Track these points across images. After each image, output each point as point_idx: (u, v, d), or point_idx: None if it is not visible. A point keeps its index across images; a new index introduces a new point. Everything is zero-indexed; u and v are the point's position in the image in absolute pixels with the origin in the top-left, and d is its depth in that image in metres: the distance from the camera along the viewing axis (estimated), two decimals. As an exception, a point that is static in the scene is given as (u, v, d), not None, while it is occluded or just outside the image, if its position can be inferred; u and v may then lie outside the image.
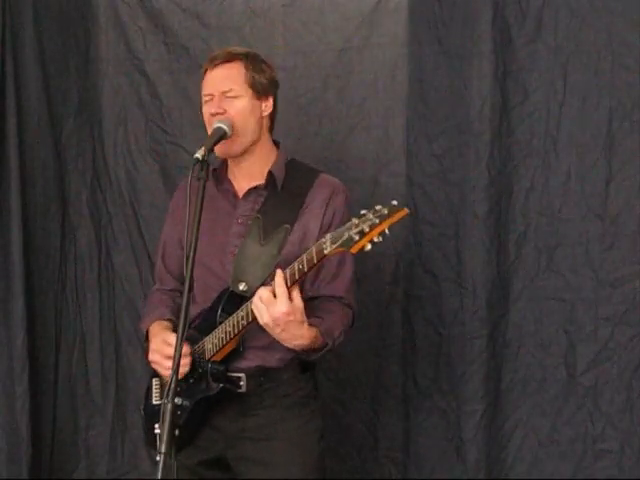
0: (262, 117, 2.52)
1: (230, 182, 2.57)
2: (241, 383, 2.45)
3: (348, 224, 2.06)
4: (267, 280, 2.32)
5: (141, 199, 3.52)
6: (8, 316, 3.32)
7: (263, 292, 2.21)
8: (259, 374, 2.46)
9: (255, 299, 2.22)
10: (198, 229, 2.20)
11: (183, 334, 2.11)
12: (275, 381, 2.48)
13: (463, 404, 3.09)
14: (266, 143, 2.55)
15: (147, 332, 2.60)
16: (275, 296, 2.19)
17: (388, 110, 3.21)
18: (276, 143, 2.60)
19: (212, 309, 2.46)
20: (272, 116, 2.57)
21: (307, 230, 2.45)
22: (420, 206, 3.12)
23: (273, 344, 2.37)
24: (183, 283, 2.46)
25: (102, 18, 3.49)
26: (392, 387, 3.24)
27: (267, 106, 2.53)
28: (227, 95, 2.47)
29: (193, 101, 3.41)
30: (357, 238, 2.03)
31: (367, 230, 2.02)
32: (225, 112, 2.45)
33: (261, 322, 2.23)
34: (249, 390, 2.46)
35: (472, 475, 3.09)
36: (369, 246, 2.04)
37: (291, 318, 2.20)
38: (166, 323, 2.55)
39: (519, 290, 3.06)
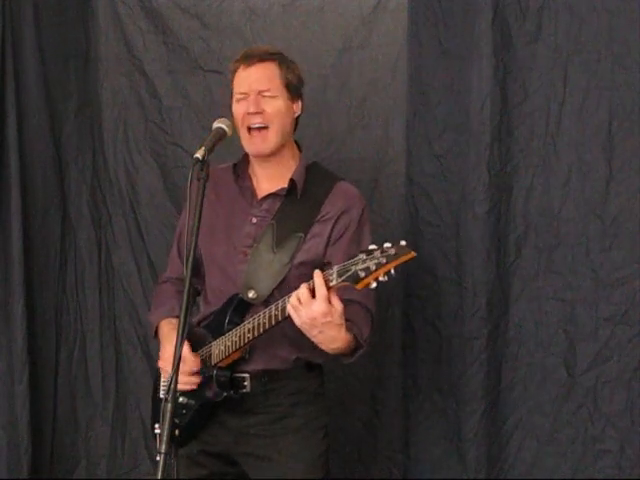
0: (294, 119, 2.50)
1: (250, 179, 2.53)
2: (245, 383, 2.45)
3: (355, 259, 2.06)
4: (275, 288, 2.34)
5: (141, 199, 3.52)
6: (8, 316, 3.33)
7: (302, 291, 2.16)
8: (263, 375, 2.46)
9: (292, 299, 2.17)
10: (198, 230, 2.17)
11: (183, 336, 2.11)
12: (280, 381, 2.48)
13: (463, 404, 3.09)
14: (291, 146, 2.53)
15: (157, 328, 2.60)
16: (314, 296, 2.14)
17: (388, 110, 3.21)
18: (298, 145, 2.57)
19: (221, 312, 2.45)
20: (297, 118, 2.54)
21: (318, 240, 2.44)
22: (420, 206, 3.12)
23: (275, 347, 2.36)
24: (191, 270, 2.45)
25: (102, 18, 3.50)
26: (392, 387, 3.24)
27: (298, 107, 2.51)
28: (264, 95, 2.42)
29: (193, 101, 3.43)
30: (363, 275, 2.04)
31: (373, 269, 2.03)
32: (263, 112, 2.42)
33: (298, 323, 2.18)
34: (253, 390, 2.46)
35: (472, 475, 3.08)
36: (374, 284, 2.06)
37: (329, 319, 2.16)
38: (175, 322, 2.49)
39: (519, 290, 3.06)
